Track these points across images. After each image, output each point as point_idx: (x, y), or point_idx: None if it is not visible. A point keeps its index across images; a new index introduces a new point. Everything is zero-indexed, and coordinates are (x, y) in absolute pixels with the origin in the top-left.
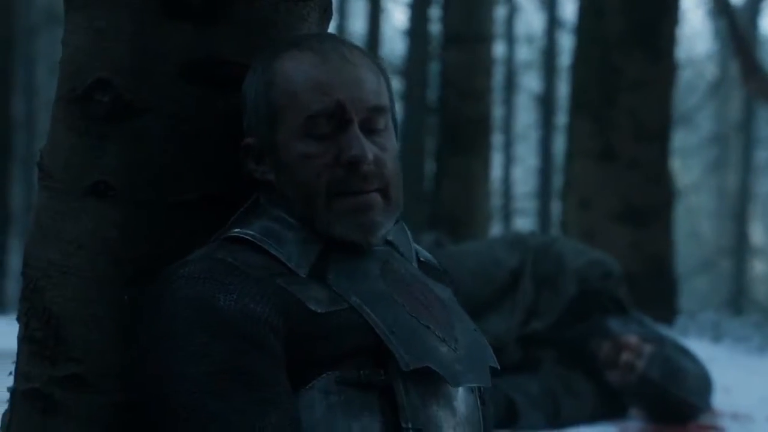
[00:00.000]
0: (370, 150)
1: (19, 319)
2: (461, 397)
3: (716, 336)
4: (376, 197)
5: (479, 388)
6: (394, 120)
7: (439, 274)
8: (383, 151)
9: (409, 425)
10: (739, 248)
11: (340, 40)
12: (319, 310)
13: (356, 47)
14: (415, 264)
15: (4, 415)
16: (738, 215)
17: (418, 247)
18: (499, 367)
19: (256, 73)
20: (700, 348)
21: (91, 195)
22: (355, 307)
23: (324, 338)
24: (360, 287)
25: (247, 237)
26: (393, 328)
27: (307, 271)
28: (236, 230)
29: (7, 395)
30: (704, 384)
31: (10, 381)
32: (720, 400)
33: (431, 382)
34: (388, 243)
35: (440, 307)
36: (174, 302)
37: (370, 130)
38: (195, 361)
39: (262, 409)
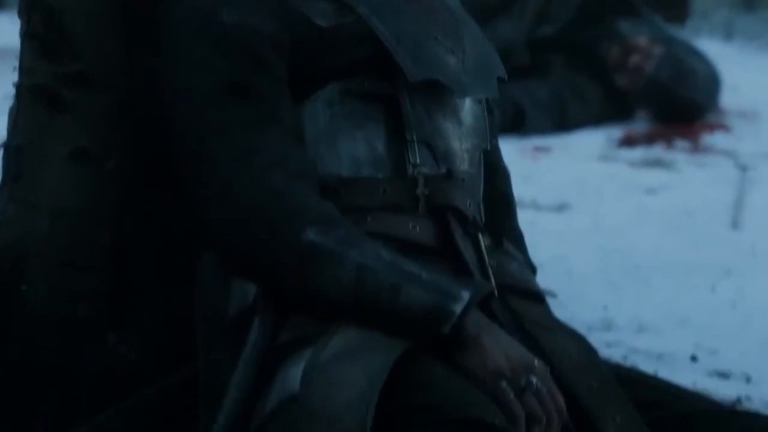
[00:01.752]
0: None
1: (20, 15)
2: (468, 107)
3: (728, 34)
4: None
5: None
6: None
7: None
8: None
9: (414, 137)
10: None
11: None
12: (324, 24)
13: None
14: None
15: (10, 110)
16: None
17: None
18: (506, 78)
19: None
20: (711, 47)
21: None
22: (363, 17)
23: (329, 52)
24: None
25: None
26: (400, 39)
27: None
28: None
29: (12, 90)
30: (712, 83)
31: (14, 77)
32: (728, 98)
33: (437, 94)
34: None
35: (449, 17)
36: (178, 12)
37: None
38: (196, 73)
39: (262, 125)
